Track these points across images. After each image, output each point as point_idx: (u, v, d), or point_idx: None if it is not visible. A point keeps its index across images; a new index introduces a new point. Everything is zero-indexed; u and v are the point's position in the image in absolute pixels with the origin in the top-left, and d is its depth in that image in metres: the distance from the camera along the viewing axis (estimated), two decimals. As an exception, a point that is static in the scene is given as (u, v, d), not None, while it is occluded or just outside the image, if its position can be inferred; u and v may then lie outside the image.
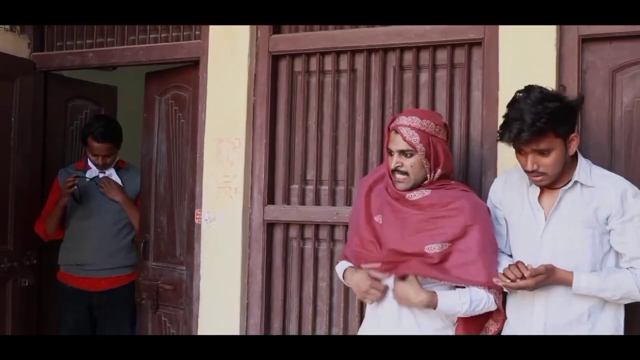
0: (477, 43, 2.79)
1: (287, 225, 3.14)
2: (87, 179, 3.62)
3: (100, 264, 3.61)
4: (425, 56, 2.91)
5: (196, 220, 3.26)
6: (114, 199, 3.67)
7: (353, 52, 3.03)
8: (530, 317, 2.22)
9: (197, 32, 3.34)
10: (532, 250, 2.22)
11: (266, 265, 3.13)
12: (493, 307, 2.29)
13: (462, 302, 2.23)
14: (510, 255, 2.36)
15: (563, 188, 2.20)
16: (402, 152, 2.27)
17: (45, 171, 3.79)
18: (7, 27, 3.59)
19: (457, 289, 2.27)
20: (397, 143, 2.28)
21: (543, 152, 2.11)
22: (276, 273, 3.16)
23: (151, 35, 3.48)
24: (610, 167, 2.46)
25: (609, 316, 2.17)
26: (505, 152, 2.63)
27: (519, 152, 2.16)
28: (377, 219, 2.37)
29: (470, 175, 2.82)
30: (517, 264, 2.11)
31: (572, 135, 2.15)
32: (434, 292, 2.23)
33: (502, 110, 2.62)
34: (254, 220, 3.15)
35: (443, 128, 2.34)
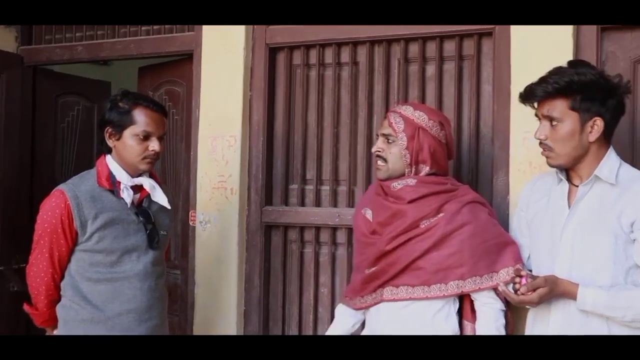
0: (488, 33, 2.62)
1: (285, 227, 2.98)
2: (128, 206, 2.28)
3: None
4: (431, 47, 2.74)
5: (190, 222, 3.11)
6: None
7: (355, 43, 2.86)
8: (544, 332, 1.98)
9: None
10: (550, 255, 1.98)
11: (264, 270, 2.98)
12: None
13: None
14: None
15: (582, 184, 1.95)
16: (385, 137, 2.21)
17: (34, 169, 3.62)
18: (-6, 20, 3.44)
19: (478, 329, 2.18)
20: (382, 127, 2.25)
21: (553, 122, 1.92)
22: (275, 278, 3.01)
23: (143, 28, 3.32)
24: (632, 163, 2.22)
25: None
26: (519, 150, 2.47)
27: (539, 120, 2.01)
28: (364, 212, 2.29)
29: (480, 175, 2.65)
30: (516, 273, 1.93)
31: (596, 118, 1.90)
32: None
33: (515, 104, 2.49)
34: (251, 223, 2.99)
35: (438, 125, 2.20)
